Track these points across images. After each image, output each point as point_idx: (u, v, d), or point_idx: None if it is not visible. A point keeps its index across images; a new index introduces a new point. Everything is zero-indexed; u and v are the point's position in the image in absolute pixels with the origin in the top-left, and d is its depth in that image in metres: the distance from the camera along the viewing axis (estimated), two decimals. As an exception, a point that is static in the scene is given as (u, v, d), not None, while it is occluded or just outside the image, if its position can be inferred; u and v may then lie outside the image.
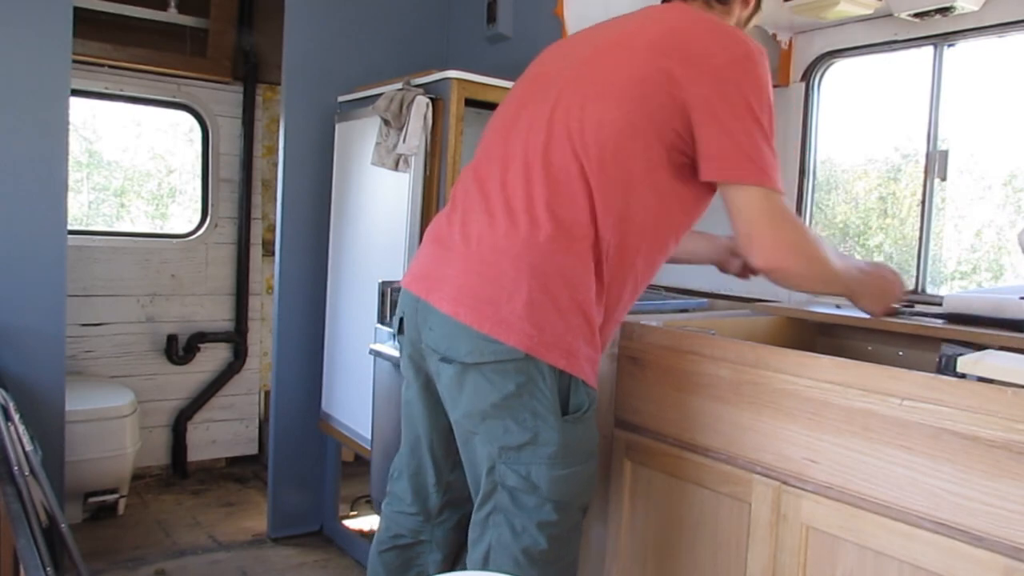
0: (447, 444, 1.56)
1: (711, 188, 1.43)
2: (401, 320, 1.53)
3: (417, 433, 1.59)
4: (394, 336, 1.59)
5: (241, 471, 4.02)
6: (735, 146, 1.32)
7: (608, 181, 1.34)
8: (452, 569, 1.65)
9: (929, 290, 2.04)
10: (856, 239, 2.43)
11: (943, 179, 2.02)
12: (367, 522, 3.23)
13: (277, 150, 3.25)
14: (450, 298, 1.36)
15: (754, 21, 1.65)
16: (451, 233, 1.43)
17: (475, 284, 1.35)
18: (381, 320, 2.33)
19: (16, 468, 2.00)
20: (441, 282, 1.40)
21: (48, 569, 1.70)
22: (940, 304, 1.84)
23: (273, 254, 3.50)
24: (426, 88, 2.42)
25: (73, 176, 3.30)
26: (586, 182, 1.34)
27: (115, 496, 3.26)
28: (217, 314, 4.00)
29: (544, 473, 1.35)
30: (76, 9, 2.58)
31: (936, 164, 2.01)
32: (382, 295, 2.31)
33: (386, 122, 2.44)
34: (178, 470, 3.91)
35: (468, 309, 1.34)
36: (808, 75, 2.27)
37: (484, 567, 1.40)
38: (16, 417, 2.04)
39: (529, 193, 1.35)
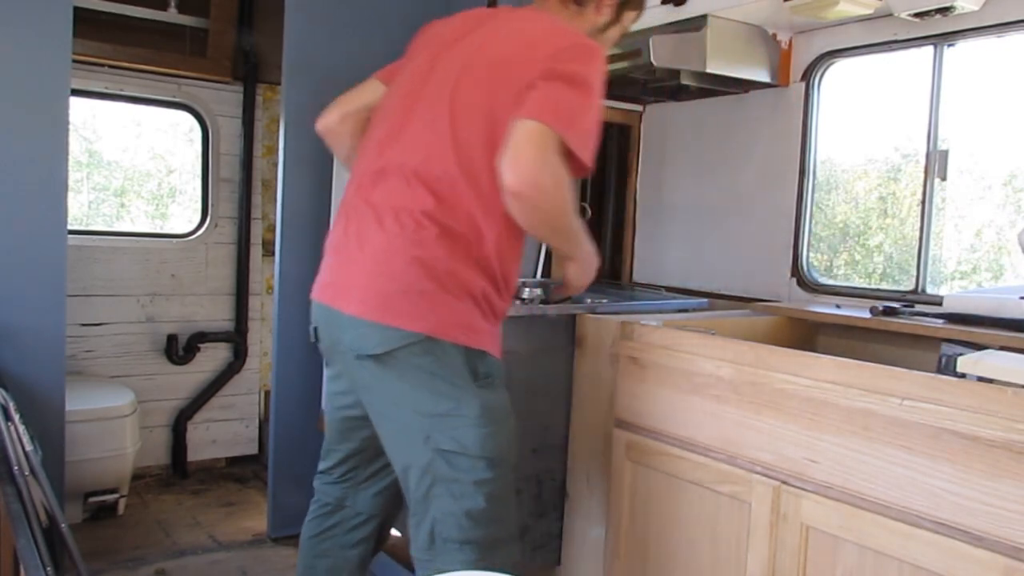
0: (372, 433, 1.68)
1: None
2: (316, 329, 1.68)
3: (343, 416, 1.75)
4: (315, 344, 1.72)
5: (241, 471, 4.02)
6: (542, 98, 1.42)
7: (480, 184, 1.49)
8: (379, 534, 1.83)
9: (929, 290, 2.04)
10: (856, 239, 2.43)
11: (943, 179, 2.02)
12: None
13: (277, 150, 3.25)
14: (355, 300, 1.52)
15: (613, 34, 1.74)
16: (348, 243, 1.58)
17: (375, 284, 1.51)
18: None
19: (16, 468, 2.00)
20: (345, 288, 1.55)
21: (48, 569, 1.70)
22: (940, 304, 1.85)
23: (273, 254, 3.50)
24: (426, 88, 2.41)
25: (73, 176, 3.30)
26: (462, 187, 1.50)
27: (115, 496, 3.26)
28: (217, 314, 4.00)
29: (472, 433, 1.50)
30: (76, 9, 2.58)
31: (936, 164, 2.01)
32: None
33: (386, 122, 2.43)
34: (178, 470, 3.91)
35: (372, 307, 1.50)
36: (808, 75, 2.27)
37: (431, 545, 1.53)
38: (16, 417, 2.04)
39: (414, 199, 1.51)
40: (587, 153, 1.45)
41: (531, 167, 1.38)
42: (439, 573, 1.41)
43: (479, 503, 1.51)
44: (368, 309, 1.50)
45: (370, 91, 1.77)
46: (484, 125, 1.49)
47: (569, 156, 1.42)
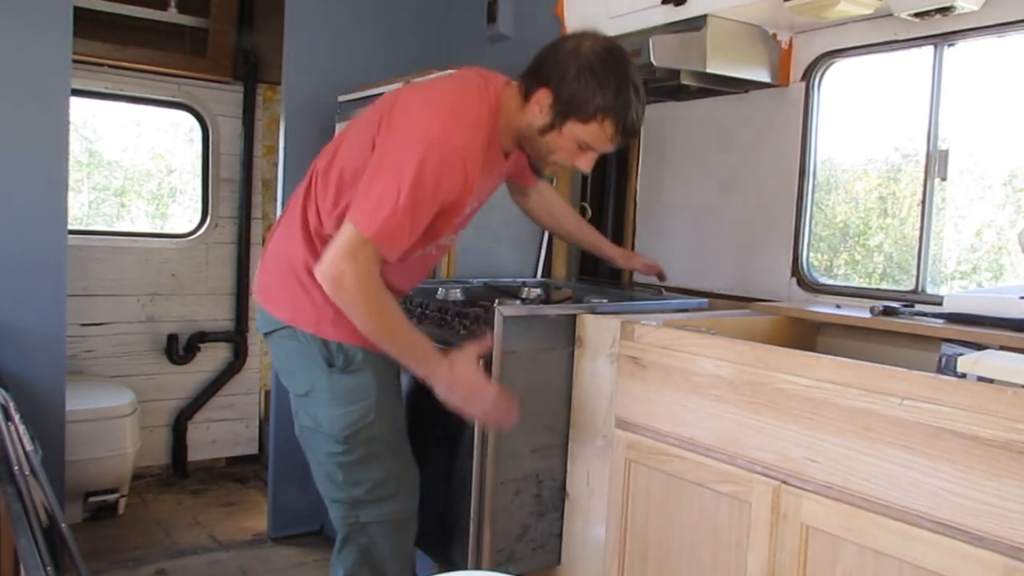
0: None
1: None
2: None
3: None
4: None
5: (241, 471, 4.02)
6: (362, 191, 1.62)
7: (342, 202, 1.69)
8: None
9: (929, 290, 2.04)
10: (856, 239, 2.43)
11: (943, 179, 2.02)
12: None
13: (277, 150, 3.26)
14: (257, 291, 1.85)
15: (555, 142, 1.70)
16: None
17: (264, 278, 1.82)
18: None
19: (16, 468, 2.00)
20: (258, 281, 1.87)
21: (48, 569, 1.70)
22: (940, 304, 1.85)
23: (273, 254, 3.48)
24: (426, 88, 2.42)
25: (73, 176, 3.30)
26: (323, 204, 1.72)
27: (115, 496, 3.26)
28: (217, 314, 4.00)
29: (323, 413, 1.75)
30: (76, 9, 2.59)
31: (936, 164, 2.01)
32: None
33: (386, 122, 2.44)
34: (178, 470, 3.91)
35: (262, 297, 1.82)
36: (808, 75, 2.27)
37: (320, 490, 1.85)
38: (16, 417, 2.05)
39: (300, 211, 1.77)
40: (392, 251, 1.60)
41: (333, 260, 1.58)
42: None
43: (334, 472, 1.78)
44: (261, 298, 1.82)
45: None
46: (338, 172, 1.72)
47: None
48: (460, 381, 1.71)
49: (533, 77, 1.69)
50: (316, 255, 1.67)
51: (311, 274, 1.67)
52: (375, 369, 1.76)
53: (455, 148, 1.59)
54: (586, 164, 1.74)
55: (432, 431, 2.01)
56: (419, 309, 2.09)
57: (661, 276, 2.31)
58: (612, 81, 1.64)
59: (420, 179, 1.56)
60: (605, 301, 2.10)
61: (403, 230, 1.59)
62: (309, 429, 1.79)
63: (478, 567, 1.95)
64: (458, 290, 2.18)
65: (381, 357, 1.75)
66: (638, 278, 2.67)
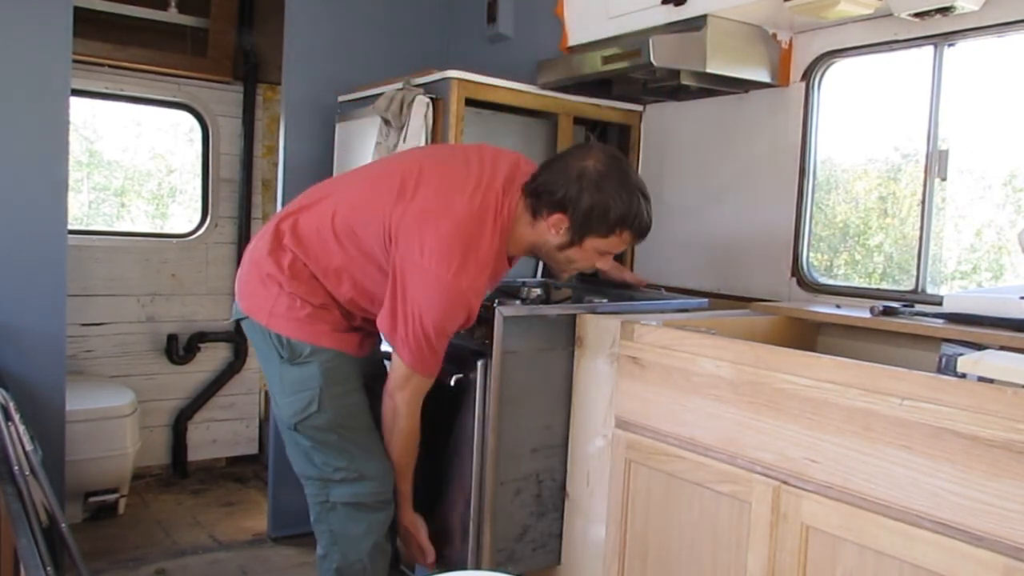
0: None
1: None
2: None
3: None
4: None
5: (241, 471, 4.02)
6: (401, 340, 1.80)
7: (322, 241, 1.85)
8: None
9: (929, 290, 2.04)
10: (856, 239, 2.43)
11: (943, 179, 2.02)
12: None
13: (277, 150, 3.25)
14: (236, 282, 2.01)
15: (576, 255, 1.83)
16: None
17: (240, 271, 1.98)
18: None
19: (16, 468, 2.00)
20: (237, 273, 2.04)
21: (48, 569, 1.70)
22: (940, 304, 1.85)
23: (273, 254, 3.47)
24: (426, 88, 2.42)
25: (73, 176, 3.30)
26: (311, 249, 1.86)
27: (115, 496, 3.26)
28: (217, 314, 4.00)
29: (280, 401, 1.90)
30: (76, 9, 2.58)
31: (936, 164, 2.01)
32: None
33: (386, 122, 2.44)
34: (178, 470, 3.91)
35: (236, 287, 1.98)
36: (808, 75, 2.27)
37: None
38: (16, 417, 2.04)
39: (277, 223, 1.91)
40: (432, 374, 1.85)
41: (387, 396, 1.88)
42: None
43: (295, 454, 1.95)
44: (236, 283, 1.99)
45: None
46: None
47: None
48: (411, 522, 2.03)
49: (542, 201, 1.79)
50: (278, 250, 1.85)
51: (271, 267, 1.85)
52: (322, 363, 1.86)
53: (463, 292, 1.74)
54: (605, 263, 1.95)
55: (432, 433, 2.01)
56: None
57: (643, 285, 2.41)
58: (623, 195, 1.76)
59: (440, 321, 1.76)
60: (605, 301, 2.10)
61: (435, 356, 1.82)
62: (276, 413, 1.97)
63: (478, 567, 1.95)
64: None
65: (333, 353, 1.87)
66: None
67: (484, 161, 1.86)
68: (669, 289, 2.46)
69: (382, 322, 1.80)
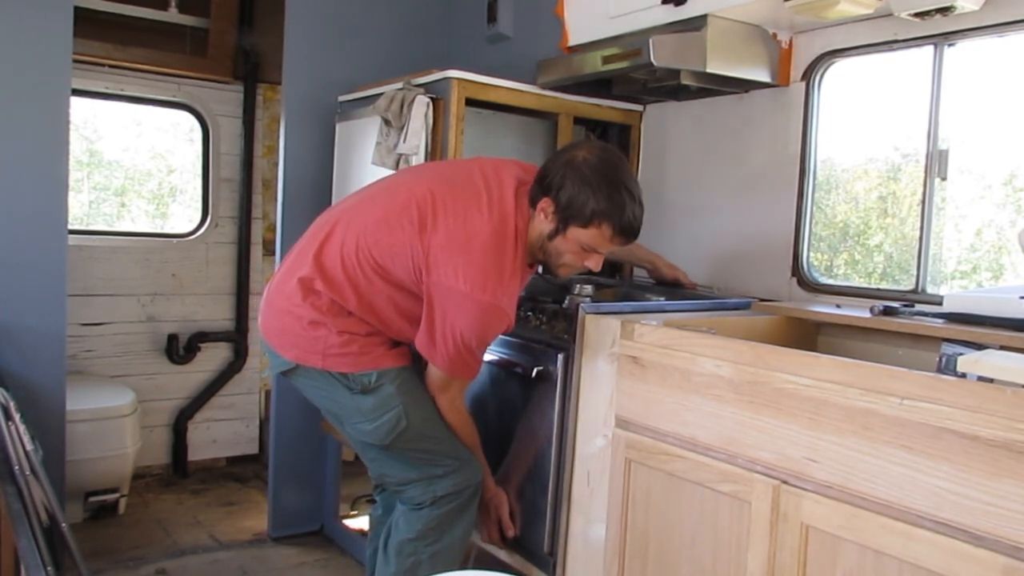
0: None
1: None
2: None
3: None
4: None
5: (241, 470, 4.02)
6: (441, 355, 1.88)
7: (355, 274, 1.89)
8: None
9: (929, 290, 2.05)
10: (856, 239, 2.43)
11: (943, 179, 2.02)
12: (367, 521, 3.23)
13: (277, 150, 3.25)
14: (262, 332, 2.03)
15: (562, 246, 1.85)
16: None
17: (266, 320, 2.00)
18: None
19: (17, 467, 2.01)
20: (261, 322, 2.06)
21: (49, 568, 1.70)
22: (940, 304, 1.85)
23: (273, 254, 3.50)
24: (426, 88, 2.42)
25: (74, 175, 3.30)
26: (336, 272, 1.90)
27: (116, 495, 3.26)
28: (218, 313, 4.00)
29: (361, 429, 1.95)
30: (76, 9, 2.59)
31: (936, 164, 2.02)
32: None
33: (387, 122, 2.44)
34: (179, 470, 3.91)
35: (267, 338, 1.99)
36: (808, 75, 2.27)
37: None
38: (17, 416, 2.05)
39: (298, 258, 1.95)
40: (471, 378, 1.96)
41: (437, 387, 1.97)
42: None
43: (390, 466, 2.00)
44: (264, 334, 2.00)
45: None
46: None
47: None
48: (495, 495, 2.12)
49: (538, 186, 1.85)
50: (312, 295, 1.89)
51: (311, 312, 1.88)
52: (393, 382, 1.93)
53: (502, 308, 1.82)
54: (595, 264, 1.91)
55: (510, 420, 2.09)
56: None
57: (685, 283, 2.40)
58: (605, 187, 1.78)
59: (482, 335, 1.85)
60: (663, 299, 2.14)
61: (477, 362, 1.92)
62: (361, 442, 2.00)
63: (553, 552, 2.00)
64: None
65: (397, 370, 1.94)
66: (638, 278, 2.67)
67: (488, 174, 1.90)
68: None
69: (420, 342, 1.89)
